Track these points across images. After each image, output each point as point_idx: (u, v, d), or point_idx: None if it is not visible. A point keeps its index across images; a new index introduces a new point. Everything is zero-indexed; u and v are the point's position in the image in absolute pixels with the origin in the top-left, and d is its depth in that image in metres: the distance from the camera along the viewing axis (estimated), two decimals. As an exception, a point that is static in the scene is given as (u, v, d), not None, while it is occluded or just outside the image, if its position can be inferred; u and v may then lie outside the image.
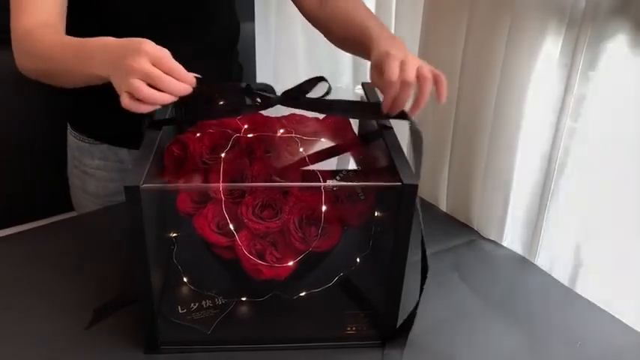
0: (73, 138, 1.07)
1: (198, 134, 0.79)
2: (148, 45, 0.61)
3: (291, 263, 0.70)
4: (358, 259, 0.78)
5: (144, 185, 0.61)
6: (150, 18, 0.93)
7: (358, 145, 0.80)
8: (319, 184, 0.70)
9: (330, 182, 0.72)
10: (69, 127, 1.07)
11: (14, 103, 1.15)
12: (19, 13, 0.80)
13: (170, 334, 0.72)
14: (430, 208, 1.06)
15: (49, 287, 0.82)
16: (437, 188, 1.05)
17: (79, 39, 0.73)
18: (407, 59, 0.69)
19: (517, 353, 0.74)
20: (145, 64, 0.60)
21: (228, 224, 0.71)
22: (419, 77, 0.69)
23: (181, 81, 0.63)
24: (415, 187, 0.64)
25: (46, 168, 1.19)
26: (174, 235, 0.85)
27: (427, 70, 0.69)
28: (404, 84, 0.68)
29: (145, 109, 0.62)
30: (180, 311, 0.75)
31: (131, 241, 0.63)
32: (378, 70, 0.72)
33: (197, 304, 0.76)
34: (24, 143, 1.19)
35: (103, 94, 0.69)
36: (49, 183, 1.19)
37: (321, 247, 0.71)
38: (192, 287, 0.78)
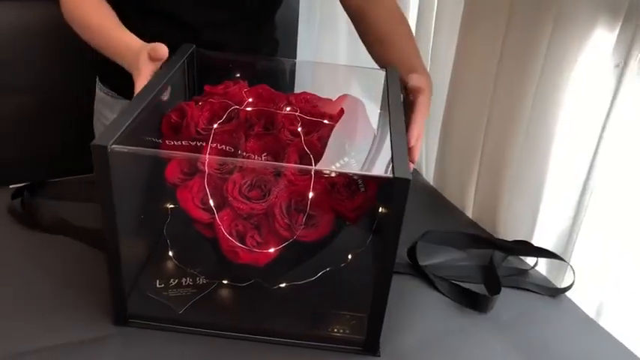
0: (98, 90, 1.08)
1: (200, 103, 0.74)
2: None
3: (272, 250, 0.64)
4: (350, 256, 0.71)
5: (113, 146, 0.57)
6: None
7: (370, 131, 0.73)
8: (307, 167, 0.64)
9: (320, 168, 0.66)
10: (97, 79, 1.07)
11: (50, 56, 1.16)
12: None
13: (141, 308, 0.69)
14: (456, 212, 0.97)
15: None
16: (465, 193, 0.96)
17: (109, 31, 0.83)
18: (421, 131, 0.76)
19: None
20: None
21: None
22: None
23: None
24: (407, 181, 0.56)
25: (79, 123, 1.19)
26: (171, 206, 0.81)
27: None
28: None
29: None
30: (157, 285, 0.72)
31: (100, 204, 0.60)
32: None
33: (176, 281, 0.72)
34: (56, 97, 1.19)
35: None
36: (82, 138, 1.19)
37: (308, 237, 0.65)
38: (176, 262, 0.75)
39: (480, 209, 0.93)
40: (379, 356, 0.67)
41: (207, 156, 0.66)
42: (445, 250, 0.85)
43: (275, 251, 0.65)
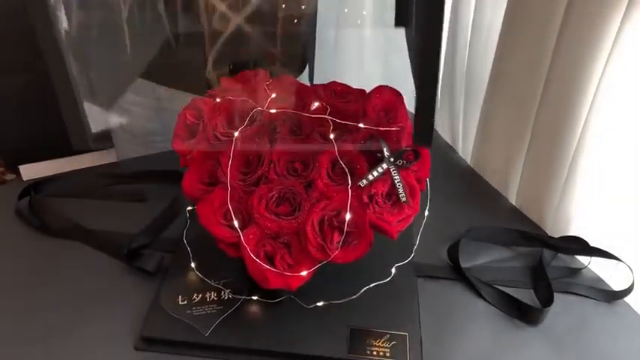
0: None
1: (217, 100, 0.66)
2: None
3: (304, 273, 0.58)
4: (394, 270, 0.64)
5: None
6: None
7: (409, 132, 0.64)
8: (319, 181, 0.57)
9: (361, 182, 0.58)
10: None
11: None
12: None
13: (163, 330, 0.63)
14: (497, 198, 0.89)
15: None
16: (508, 177, 0.88)
17: None
18: None
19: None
20: None
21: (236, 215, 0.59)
22: None
23: None
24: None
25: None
26: (189, 209, 0.75)
27: None
28: None
29: None
30: (180, 302, 0.66)
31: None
32: None
33: (200, 296, 0.67)
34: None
35: None
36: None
37: (345, 259, 0.58)
38: (199, 274, 0.69)
39: (525, 196, 0.85)
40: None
41: (228, 169, 0.59)
42: (489, 249, 0.78)
43: (308, 274, 0.58)
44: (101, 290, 0.69)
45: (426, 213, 0.66)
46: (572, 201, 0.77)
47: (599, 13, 0.65)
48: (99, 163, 0.93)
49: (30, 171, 0.96)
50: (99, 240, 0.75)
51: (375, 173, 0.60)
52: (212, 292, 0.67)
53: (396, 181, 0.60)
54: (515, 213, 0.86)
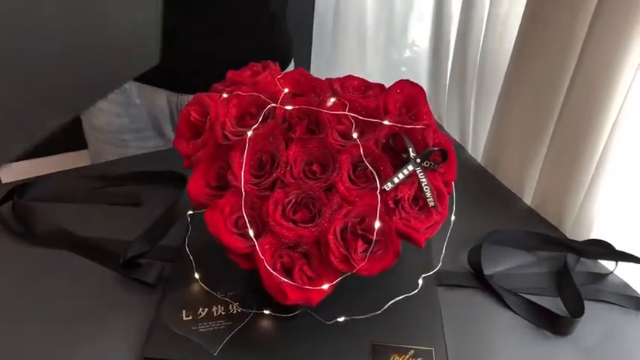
0: None
1: (224, 95, 0.60)
2: None
3: (326, 286, 0.53)
4: (420, 282, 0.59)
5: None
6: None
7: (434, 129, 0.59)
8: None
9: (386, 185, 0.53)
10: None
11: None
12: None
13: (166, 349, 0.58)
14: (512, 198, 0.85)
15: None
16: (524, 177, 0.84)
17: None
18: None
19: None
20: None
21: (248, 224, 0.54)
22: None
23: None
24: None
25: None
26: (190, 213, 0.69)
27: None
28: None
29: None
30: (184, 317, 0.60)
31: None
32: None
33: (206, 311, 0.61)
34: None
35: None
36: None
37: (369, 271, 0.53)
38: (204, 286, 0.63)
39: (542, 197, 0.81)
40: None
41: (242, 172, 0.53)
42: (509, 254, 0.73)
43: (329, 287, 0.53)
44: (95, 305, 0.63)
45: (452, 218, 0.61)
46: (595, 203, 0.73)
47: (631, 12, 0.61)
48: (77, 166, 0.86)
49: (10, 173, 0.89)
50: (91, 248, 0.68)
51: (401, 176, 0.55)
52: (219, 306, 0.62)
53: (423, 185, 0.55)
54: (532, 215, 0.82)
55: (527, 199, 0.85)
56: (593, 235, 0.76)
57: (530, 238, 0.74)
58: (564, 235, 0.78)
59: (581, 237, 0.76)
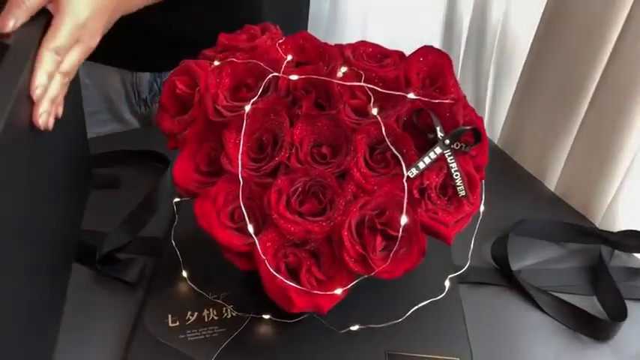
0: None
1: (216, 63, 0.51)
2: None
3: (339, 291, 0.44)
4: (447, 284, 0.51)
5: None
6: None
7: (464, 105, 0.50)
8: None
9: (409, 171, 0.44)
10: None
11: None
12: None
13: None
14: (535, 183, 0.77)
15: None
16: (547, 161, 0.76)
17: None
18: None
19: None
20: None
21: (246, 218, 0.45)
22: None
23: None
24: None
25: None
26: (176, 201, 0.60)
27: None
28: None
29: None
30: (170, 323, 0.52)
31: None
32: None
33: (195, 315, 0.53)
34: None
35: None
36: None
37: (391, 274, 0.45)
38: (193, 286, 0.54)
39: (569, 184, 0.73)
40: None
41: (239, 155, 0.44)
42: (537, 246, 0.65)
43: (343, 292, 0.45)
44: (67, 308, 0.54)
45: (482, 208, 0.53)
46: (630, 192, 0.65)
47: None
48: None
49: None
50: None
51: (427, 160, 0.46)
52: (211, 310, 0.53)
53: (453, 171, 0.47)
54: (558, 202, 0.74)
55: (550, 185, 0.77)
56: (625, 227, 0.68)
57: (559, 229, 0.67)
58: (594, 225, 0.71)
59: (612, 228, 0.69)
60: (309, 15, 0.93)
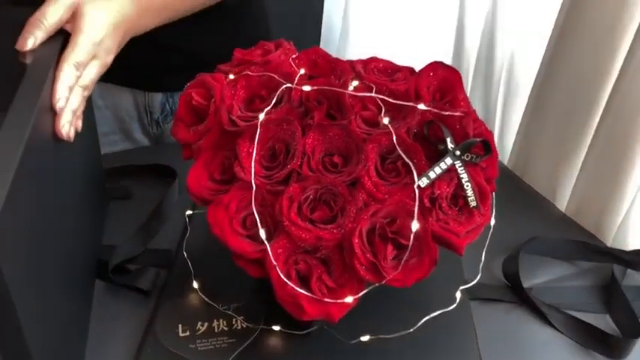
0: None
1: (231, 76, 0.52)
2: None
3: (350, 299, 0.44)
4: (459, 295, 0.51)
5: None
6: None
7: (474, 118, 0.51)
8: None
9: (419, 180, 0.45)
10: None
11: None
12: None
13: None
14: (544, 204, 0.77)
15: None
16: (557, 181, 0.76)
17: None
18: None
19: None
20: None
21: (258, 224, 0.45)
22: None
23: None
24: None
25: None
26: (189, 213, 0.61)
27: None
28: None
29: None
30: (180, 333, 0.52)
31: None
32: None
33: (206, 325, 0.53)
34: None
35: None
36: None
37: (402, 282, 0.45)
38: (203, 297, 0.55)
39: (580, 203, 0.73)
40: None
41: (252, 163, 0.45)
42: (548, 264, 0.65)
43: (354, 300, 0.45)
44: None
45: (492, 221, 0.53)
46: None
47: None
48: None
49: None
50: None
51: (438, 170, 0.47)
52: (221, 321, 0.53)
53: (463, 181, 0.47)
54: (567, 221, 0.74)
55: (560, 206, 0.77)
56: (637, 246, 0.68)
57: (571, 247, 0.66)
58: (604, 244, 0.70)
59: (624, 248, 0.68)
60: (321, 33, 0.95)
